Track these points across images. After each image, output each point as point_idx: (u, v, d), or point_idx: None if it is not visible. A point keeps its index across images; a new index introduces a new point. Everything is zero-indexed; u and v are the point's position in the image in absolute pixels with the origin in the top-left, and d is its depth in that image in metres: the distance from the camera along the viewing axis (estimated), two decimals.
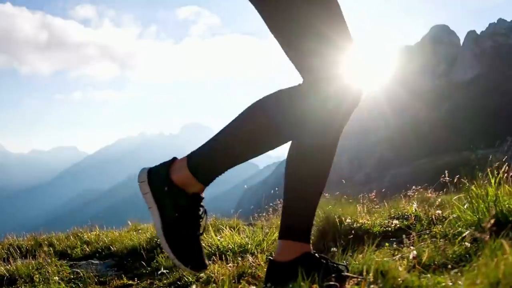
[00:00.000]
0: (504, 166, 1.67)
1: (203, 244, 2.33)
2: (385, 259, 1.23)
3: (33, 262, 2.71)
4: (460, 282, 1.02)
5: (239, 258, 1.86)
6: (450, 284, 1.05)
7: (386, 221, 2.05)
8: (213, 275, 1.64)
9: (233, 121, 1.24)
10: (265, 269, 1.36)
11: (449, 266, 1.29)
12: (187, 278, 1.81)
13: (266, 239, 2.17)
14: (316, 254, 1.25)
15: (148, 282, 2.09)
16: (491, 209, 1.57)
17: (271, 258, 1.29)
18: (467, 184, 1.77)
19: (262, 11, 1.17)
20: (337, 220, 1.94)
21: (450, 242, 1.53)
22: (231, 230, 2.41)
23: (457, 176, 1.97)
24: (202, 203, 1.30)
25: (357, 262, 1.30)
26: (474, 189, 1.68)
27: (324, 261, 1.23)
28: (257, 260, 1.69)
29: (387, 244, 1.72)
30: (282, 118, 1.18)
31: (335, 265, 1.23)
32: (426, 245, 1.53)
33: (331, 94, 1.13)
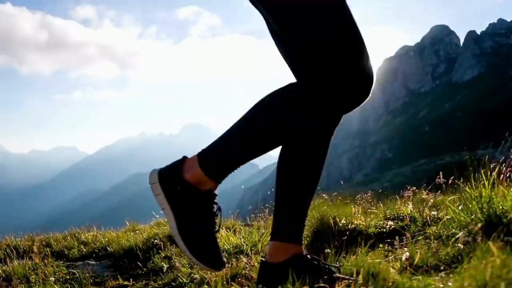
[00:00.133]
0: (497, 167, 1.67)
1: None
2: (377, 260, 1.23)
3: (30, 262, 2.71)
4: (450, 284, 1.02)
5: (234, 259, 1.87)
6: (441, 286, 1.05)
7: (381, 222, 2.05)
8: (206, 276, 1.64)
9: (242, 117, 1.24)
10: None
11: (442, 268, 1.29)
12: (181, 279, 1.81)
13: (262, 240, 2.17)
14: (308, 256, 1.26)
15: (144, 282, 2.10)
16: (484, 210, 1.57)
17: (263, 259, 1.29)
18: (461, 185, 1.77)
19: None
20: (331, 221, 1.94)
21: (443, 243, 1.52)
22: (227, 231, 2.42)
23: (451, 178, 1.97)
24: (215, 200, 1.30)
25: (349, 264, 1.30)
26: (468, 190, 1.67)
27: (316, 263, 1.23)
28: (251, 261, 1.69)
29: (381, 245, 1.73)
30: (290, 109, 1.18)
31: (326, 266, 1.23)
32: (419, 247, 1.53)
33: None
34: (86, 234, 3.77)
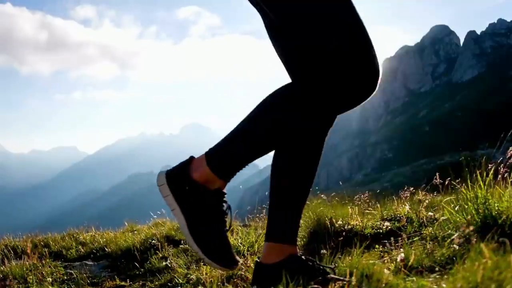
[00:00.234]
0: (493, 167, 1.67)
1: None
2: (371, 261, 1.23)
3: (27, 263, 2.71)
4: (443, 285, 1.02)
5: None
6: (434, 287, 1.05)
7: (378, 223, 2.05)
8: (202, 277, 1.64)
9: (246, 116, 1.25)
10: None
11: (436, 269, 1.29)
12: (177, 279, 1.82)
13: (259, 240, 2.17)
14: (303, 256, 1.26)
15: (140, 283, 2.10)
16: (480, 211, 1.57)
17: (258, 260, 1.29)
18: (457, 186, 1.77)
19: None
20: (328, 222, 1.94)
21: (439, 244, 1.53)
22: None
23: (448, 179, 1.97)
24: (225, 199, 1.29)
25: (344, 265, 1.30)
26: (464, 191, 1.68)
27: (310, 263, 1.23)
28: (247, 262, 1.70)
29: (377, 246, 1.73)
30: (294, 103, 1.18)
31: (321, 267, 1.23)
32: (415, 248, 1.53)
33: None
34: (85, 235, 3.77)
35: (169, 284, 1.85)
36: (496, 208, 1.59)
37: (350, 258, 1.32)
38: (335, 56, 1.07)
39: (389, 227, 1.97)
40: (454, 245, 1.43)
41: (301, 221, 2.16)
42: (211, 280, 1.49)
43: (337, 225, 1.95)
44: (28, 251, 2.44)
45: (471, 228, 1.18)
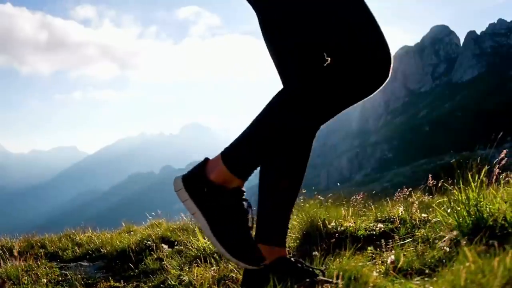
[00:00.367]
0: (484, 168, 1.67)
1: (190, 247, 2.34)
2: (360, 264, 1.23)
3: (23, 264, 2.72)
4: None
5: (224, 262, 1.87)
6: None
7: (372, 225, 2.05)
8: (195, 278, 1.65)
9: (261, 111, 1.24)
10: None
11: (426, 271, 1.30)
12: (170, 281, 1.82)
13: None
14: (292, 259, 1.26)
15: (134, 284, 2.10)
16: (471, 213, 1.58)
17: None
18: (449, 188, 1.77)
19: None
20: (320, 224, 1.94)
21: (430, 246, 1.53)
22: None
23: (441, 180, 1.97)
24: (244, 197, 1.28)
25: (334, 267, 1.31)
26: (456, 192, 1.68)
27: (300, 266, 1.23)
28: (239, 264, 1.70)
29: (369, 248, 1.73)
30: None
31: (310, 269, 1.23)
32: (406, 250, 1.54)
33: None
34: (81, 235, 3.77)
35: (162, 285, 1.85)
36: (488, 210, 1.59)
37: (340, 260, 1.32)
38: (335, 55, 1.06)
39: (382, 229, 1.97)
40: (445, 247, 1.44)
41: (295, 223, 2.17)
42: (202, 282, 1.49)
43: (330, 227, 1.96)
44: (15, 253, 2.44)
45: (455, 232, 1.18)
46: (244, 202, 1.27)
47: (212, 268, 1.75)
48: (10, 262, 2.71)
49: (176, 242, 2.72)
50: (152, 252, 2.56)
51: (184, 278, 1.75)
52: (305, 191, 2.82)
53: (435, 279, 1.16)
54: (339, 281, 1.01)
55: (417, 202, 2.00)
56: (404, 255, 1.44)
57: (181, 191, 1.27)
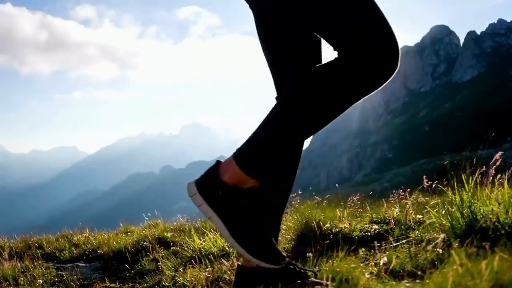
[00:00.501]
0: (478, 170, 1.67)
1: (185, 248, 2.34)
2: (352, 265, 1.24)
3: (19, 264, 2.72)
4: None
5: (218, 263, 1.87)
6: None
7: (367, 226, 2.05)
8: (188, 279, 1.65)
9: (269, 111, 1.23)
10: None
11: (419, 273, 1.30)
12: (165, 282, 1.82)
13: None
14: None
15: (130, 285, 2.11)
16: (465, 215, 1.58)
17: (239, 263, 1.30)
18: (443, 189, 1.77)
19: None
20: (315, 225, 1.94)
21: (423, 248, 1.53)
22: (216, 233, 2.42)
23: (435, 182, 1.97)
24: (260, 196, 1.26)
25: (326, 268, 1.31)
26: (450, 194, 1.68)
27: (292, 267, 1.23)
28: (233, 265, 1.70)
29: (363, 249, 1.73)
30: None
31: (302, 271, 1.24)
32: (399, 251, 1.54)
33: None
34: (79, 236, 3.78)
35: (156, 286, 1.86)
36: (481, 211, 1.59)
37: (332, 261, 1.32)
38: (336, 55, 1.06)
39: (377, 230, 1.97)
40: (438, 249, 1.44)
41: (290, 224, 2.17)
42: (195, 284, 1.49)
43: (324, 228, 1.96)
44: (6, 255, 2.44)
45: (442, 235, 1.18)
46: (259, 201, 1.25)
47: (207, 269, 1.75)
48: (6, 262, 2.72)
49: (172, 243, 2.73)
50: (149, 253, 2.57)
51: (178, 279, 1.76)
52: (301, 192, 2.82)
53: (426, 281, 1.17)
54: (329, 282, 1.01)
55: (409, 203, 2.00)
56: (397, 256, 1.45)
57: (196, 195, 1.26)
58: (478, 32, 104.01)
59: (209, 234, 2.38)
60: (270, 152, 1.21)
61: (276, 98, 1.26)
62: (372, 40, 1.04)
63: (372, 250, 1.68)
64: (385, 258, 1.38)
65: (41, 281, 2.41)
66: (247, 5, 1.24)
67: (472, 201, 1.59)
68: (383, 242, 1.72)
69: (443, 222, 1.66)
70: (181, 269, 1.96)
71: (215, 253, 2.15)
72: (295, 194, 2.92)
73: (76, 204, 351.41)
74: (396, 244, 1.68)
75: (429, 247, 1.46)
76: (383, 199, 2.60)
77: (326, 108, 1.14)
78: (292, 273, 1.21)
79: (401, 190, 2.72)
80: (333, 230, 1.95)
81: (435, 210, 1.66)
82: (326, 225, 1.98)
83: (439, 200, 1.80)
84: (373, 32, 1.04)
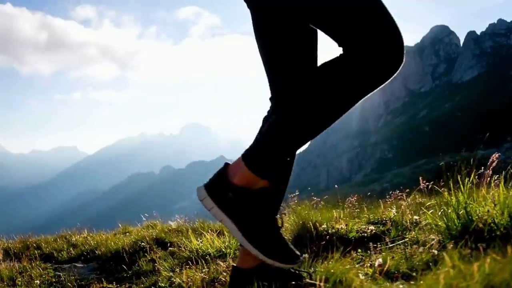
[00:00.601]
0: (473, 171, 1.67)
1: (183, 249, 2.35)
2: (347, 266, 1.24)
3: (17, 265, 2.72)
4: None
5: (214, 264, 1.87)
6: None
7: (364, 227, 2.06)
8: (184, 280, 1.65)
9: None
10: None
11: (414, 274, 1.30)
12: (161, 283, 1.82)
13: None
14: None
15: (127, 285, 2.11)
16: (461, 216, 1.58)
17: (234, 265, 1.30)
18: (440, 190, 1.77)
19: None
20: (311, 226, 1.94)
21: (418, 249, 1.53)
22: (214, 234, 2.42)
23: (431, 182, 1.97)
24: (271, 197, 1.26)
25: (321, 269, 1.31)
26: (446, 195, 1.68)
27: (286, 269, 1.24)
28: (229, 266, 1.70)
29: (359, 250, 1.73)
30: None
31: (296, 272, 1.24)
32: (395, 252, 1.54)
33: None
34: (77, 236, 3.78)
35: (153, 287, 1.86)
36: (477, 212, 1.59)
37: (327, 263, 1.33)
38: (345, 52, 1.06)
39: (374, 231, 1.97)
40: (434, 250, 1.44)
41: (287, 225, 2.17)
42: (191, 284, 1.49)
43: (321, 229, 1.96)
44: (0, 256, 2.44)
45: (432, 236, 1.18)
46: (270, 202, 1.25)
47: (203, 270, 1.75)
48: (3, 263, 2.72)
49: (169, 244, 2.73)
50: (146, 254, 2.57)
51: (174, 280, 1.76)
52: (298, 192, 2.82)
53: (421, 282, 1.17)
54: (323, 284, 1.01)
55: (405, 204, 2.00)
56: (392, 257, 1.45)
57: (206, 199, 1.25)
58: (478, 32, 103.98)
59: (206, 235, 2.38)
60: (278, 152, 1.21)
61: (270, 99, 1.26)
62: (373, 37, 1.02)
63: (368, 251, 1.68)
64: (380, 259, 1.38)
65: (38, 281, 2.41)
66: (246, 5, 1.24)
67: (468, 202, 1.59)
68: (379, 243, 1.72)
69: (439, 223, 1.66)
70: (177, 270, 1.96)
71: (212, 254, 2.15)
72: (293, 194, 2.92)
73: (76, 204, 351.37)
74: (392, 245, 1.68)
75: (424, 249, 1.46)
76: (380, 200, 2.60)
77: (329, 107, 1.13)
78: (287, 275, 1.21)
79: (398, 191, 2.72)
80: (330, 231, 1.95)
81: (431, 211, 1.65)
82: (323, 226, 1.98)
83: (435, 202, 1.80)
84: (375, 28, 1.02)
